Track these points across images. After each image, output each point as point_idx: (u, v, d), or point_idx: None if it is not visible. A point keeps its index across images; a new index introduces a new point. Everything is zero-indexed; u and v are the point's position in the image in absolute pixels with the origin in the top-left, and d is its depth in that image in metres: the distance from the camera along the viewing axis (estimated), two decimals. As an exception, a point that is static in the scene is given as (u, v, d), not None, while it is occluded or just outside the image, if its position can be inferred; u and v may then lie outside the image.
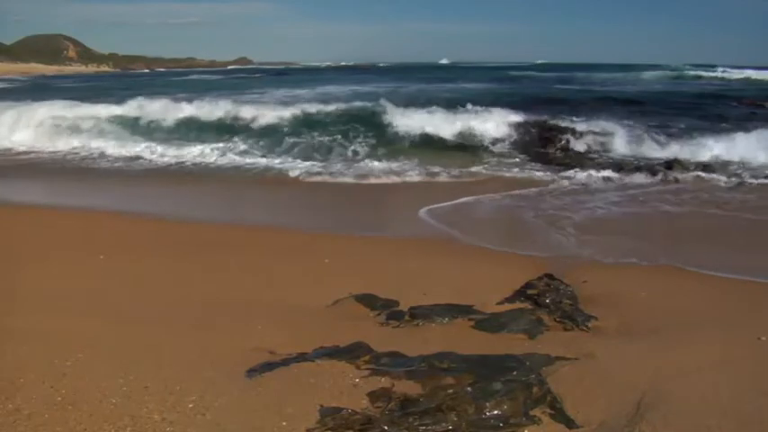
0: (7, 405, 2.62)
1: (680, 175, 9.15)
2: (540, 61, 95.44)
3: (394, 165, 10.15)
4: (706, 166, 9.59)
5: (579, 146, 11.13)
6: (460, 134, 11.75)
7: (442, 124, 12.01)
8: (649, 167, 9.56)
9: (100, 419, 2.53)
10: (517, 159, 10.79)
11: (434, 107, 12.79)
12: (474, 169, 9.90)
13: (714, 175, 9.17)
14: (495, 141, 11.54)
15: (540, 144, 11.42)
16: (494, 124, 11.87)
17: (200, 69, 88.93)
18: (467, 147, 11.45)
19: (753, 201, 7.72)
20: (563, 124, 11.90)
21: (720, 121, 13.66)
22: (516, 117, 12.20)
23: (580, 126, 11.72)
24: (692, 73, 40.97)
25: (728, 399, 2.70)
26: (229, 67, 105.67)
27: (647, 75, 38.48)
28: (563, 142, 11.24)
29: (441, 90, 22.45)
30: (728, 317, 3.92)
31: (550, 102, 17.63)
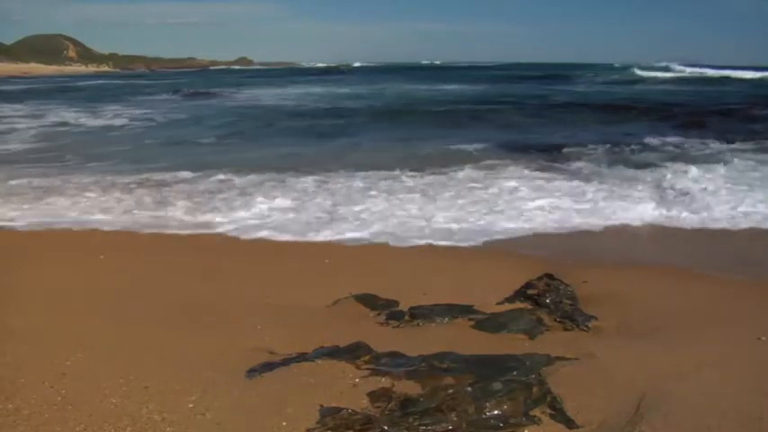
0: (7, 405, 2.62)
1: None
2: (524, 61, 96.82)
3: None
4: None
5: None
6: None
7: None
8: None
9: (100, 419, 2.53)
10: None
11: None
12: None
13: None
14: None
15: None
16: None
17: (184, 71, 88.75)
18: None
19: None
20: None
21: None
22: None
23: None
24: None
25: (728, 399, 2.70)
26: (211, 68, 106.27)
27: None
28: None
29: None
30: (728, 317, 3.92)
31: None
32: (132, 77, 57.92)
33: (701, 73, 42.95)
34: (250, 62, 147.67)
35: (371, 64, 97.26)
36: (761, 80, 34.62)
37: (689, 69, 46.90)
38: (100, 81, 44.50)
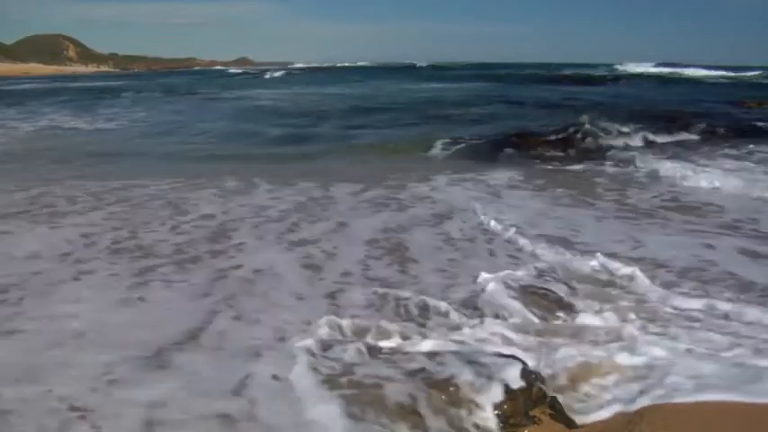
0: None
1: None
2: (513, 62, 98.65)
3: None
4: None
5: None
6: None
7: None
8: None
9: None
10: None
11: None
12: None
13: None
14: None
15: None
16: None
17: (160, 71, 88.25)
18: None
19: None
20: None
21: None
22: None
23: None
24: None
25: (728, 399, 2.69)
26: (211, 68, 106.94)
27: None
28: None
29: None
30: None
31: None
32: (132, 78, 57.97)
33: (658, 72, 45.55)
34: (250, 62, 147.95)
35: (363, 63, 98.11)
36: (706, 78, 36.67)
37: (642, 68, 49.97)
38: (99, 82, 44.49)
